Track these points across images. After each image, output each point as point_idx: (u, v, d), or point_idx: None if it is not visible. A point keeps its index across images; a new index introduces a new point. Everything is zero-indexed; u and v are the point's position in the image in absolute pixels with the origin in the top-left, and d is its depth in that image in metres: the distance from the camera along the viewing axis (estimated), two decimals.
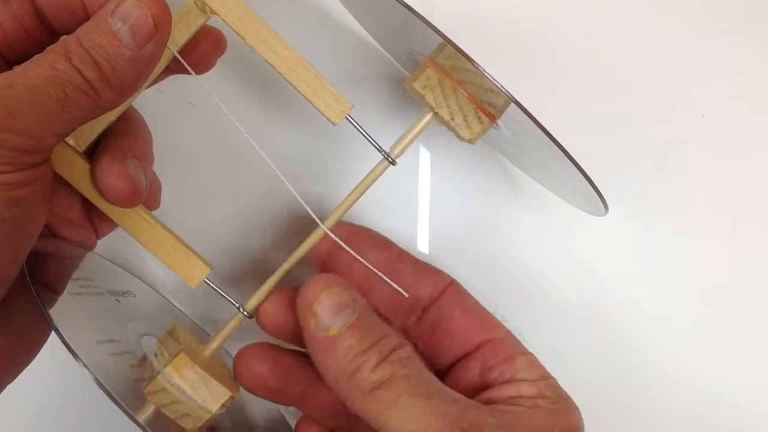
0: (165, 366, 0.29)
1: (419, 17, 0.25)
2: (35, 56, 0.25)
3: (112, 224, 0.30)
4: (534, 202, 0.39)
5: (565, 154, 0.26)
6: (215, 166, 0.38)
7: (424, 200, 0.39)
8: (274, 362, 0.29)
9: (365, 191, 0.30)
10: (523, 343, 0.30)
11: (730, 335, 0.39)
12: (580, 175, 0.26)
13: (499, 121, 0.30)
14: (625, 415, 0.39)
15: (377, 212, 0.37)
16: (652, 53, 0.39)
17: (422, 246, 0.38)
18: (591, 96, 0.38)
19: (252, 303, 0.30)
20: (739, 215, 0.39)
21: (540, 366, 0.29)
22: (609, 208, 0.29)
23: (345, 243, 0.29)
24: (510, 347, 0.29)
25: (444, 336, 0.30)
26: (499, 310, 0.31)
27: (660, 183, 0.39)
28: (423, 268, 0.31)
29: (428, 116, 0.30)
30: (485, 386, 0.28)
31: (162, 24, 0.26)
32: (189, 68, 0.29)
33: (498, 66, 0.27)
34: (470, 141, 0.30)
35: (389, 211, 0.38)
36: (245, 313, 0.30)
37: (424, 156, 0.39)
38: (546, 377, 0.28)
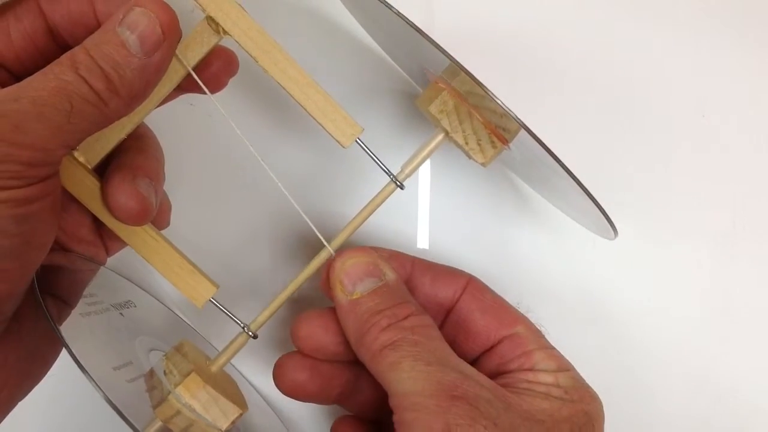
0: (176, 386, 0.29)
1: (434, 44, 0.25)
2: (42, 69, 0.25)
3: (122, 242, 0.30)
4: (534, 215, 0.39)
5: (578, 183, 0.26)
6: (223, 184, 0.38)
7: (423, 210, 0.39)
8: (312, 370, 0.30)
9: (372, 213, 0.30)
10: (546, 337, 0.30)
11: (731, 336, 0.39)
12: (591, 201, 0.26)
13: (510, 144, 0.30)
14: (629, 418, 0.39)
15: (377, 225, 0.37)
16: (651, 53, 0.39)
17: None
18: (590, 96, 0.39)
19: (257, 322, 0.31)
20: (739, 215, 0.39)
21: (560, 358, 0.29)
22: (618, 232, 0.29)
23: None
24: (529, 342, 0.29)
25: (465, 338, 0.30)
26: (524, 301, 0.31)
27: (660, 183, 0.39)
28: (440, 273, 0.31)
29: (439, 137, 0.30)
30: (501, 375, 0.29)
31: (170, 31, 0.26)
32: (203, 86, 0.29)
33: (497, 77, 0.28)
34: (483, 164, 0.30)
35: (390, 223, 0.38)
36: (250, 333, 0.30)
37: (425, 167, 0.39)
38: (565, 369, 0.29)
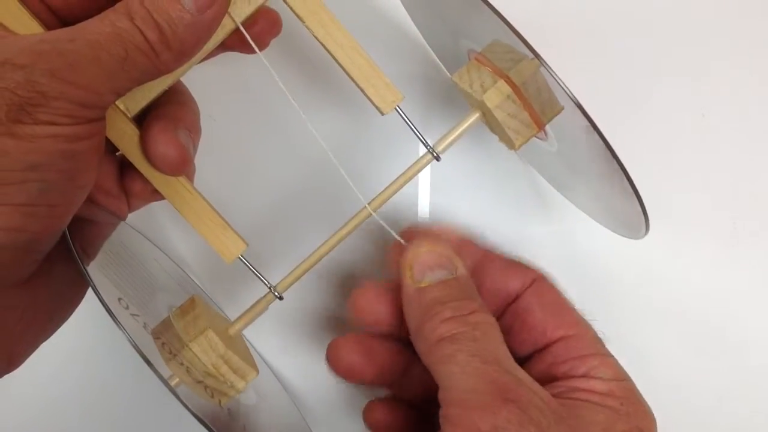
0: (190, 341, 0.28)
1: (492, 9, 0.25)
2: (98, 15, 0.25)
3: (144, 200, 0.30)
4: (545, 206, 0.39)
5: (623, 171, 0.26)
6: (254, 144, 0.38)
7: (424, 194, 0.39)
8: (366, 352, 0.30)
9: (406, 183, 0.31)
10: (605, 344, 0.30)
11: (731, 337, 0.39)
12: (632, 196, 0.27)
13: (550, 134, 0.30)
14: None
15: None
16: (651, 52, 0.39)
17: None
18: (589, 95, 0.39)
19: (284, 284, 0.30)
20: (739, 216, 0.39)
21: (617, 367, 0.28)
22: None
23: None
24: (585, 346, 0.29)
25: (520, 331, 0.30)
26: (587, 308, 0.31)
27: (659, 184, 0.39)
28: (509, 265, 0.31)
29: (476, 115, 0.30)
30: (553, 380, 0.28)
31: None
32: (252, 42, 0.29)
33: None
34: (515, 148, 0.30)
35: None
36: (276, 294, 0.30)
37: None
38: (621, 379, 0.28)
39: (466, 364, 0.25)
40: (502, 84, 0.29)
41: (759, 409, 0.40)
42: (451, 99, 0.38)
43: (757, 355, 0.40)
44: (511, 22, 0.25)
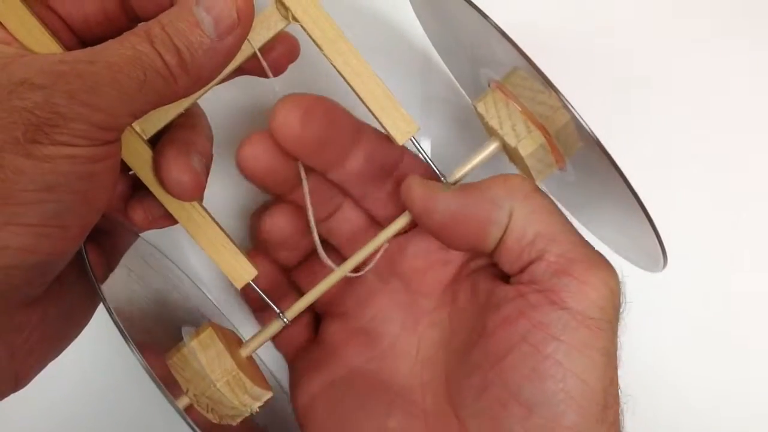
0: (218, 380, 0.29)
1: (510, 41, 0.25)
2: (117, 38, 0.25)
3: (146, 229, 0.30)
4: None
5: (641, 207, 0.26)
6: None
7: None
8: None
9: None
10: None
11: (731, 338, 0.39)
12: (649, 229, 0.26)
13: (568, 164, 0.30)
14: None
15: None
16: (651, 52, 0.39)
17: None
18: (589, 95, 0.38)
19: (292, 312, 0.31)
20: (739, 216, 0.39)
21: None
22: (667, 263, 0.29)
23: None
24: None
25: None
26: None
27: (659, 184, 0.38)
28: None
29: (494, 146, 0.30)
30: None
31: (245, 18, 0.26)
32: (267, 69, 0.29)
33: None
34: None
35: None
36: (285, 319, 0.30)
37: None
38: None
39: None
40: (537, 134, 0.29)
41: (759, 412, 0.39)
42: (468, 123, 0.38)
43: (758, 355, 0.39)
44: (501, 27, 0.25)
